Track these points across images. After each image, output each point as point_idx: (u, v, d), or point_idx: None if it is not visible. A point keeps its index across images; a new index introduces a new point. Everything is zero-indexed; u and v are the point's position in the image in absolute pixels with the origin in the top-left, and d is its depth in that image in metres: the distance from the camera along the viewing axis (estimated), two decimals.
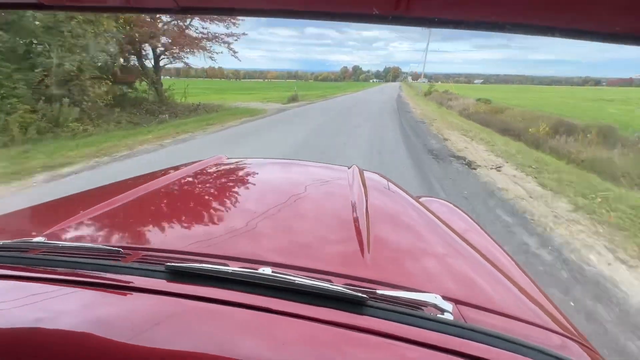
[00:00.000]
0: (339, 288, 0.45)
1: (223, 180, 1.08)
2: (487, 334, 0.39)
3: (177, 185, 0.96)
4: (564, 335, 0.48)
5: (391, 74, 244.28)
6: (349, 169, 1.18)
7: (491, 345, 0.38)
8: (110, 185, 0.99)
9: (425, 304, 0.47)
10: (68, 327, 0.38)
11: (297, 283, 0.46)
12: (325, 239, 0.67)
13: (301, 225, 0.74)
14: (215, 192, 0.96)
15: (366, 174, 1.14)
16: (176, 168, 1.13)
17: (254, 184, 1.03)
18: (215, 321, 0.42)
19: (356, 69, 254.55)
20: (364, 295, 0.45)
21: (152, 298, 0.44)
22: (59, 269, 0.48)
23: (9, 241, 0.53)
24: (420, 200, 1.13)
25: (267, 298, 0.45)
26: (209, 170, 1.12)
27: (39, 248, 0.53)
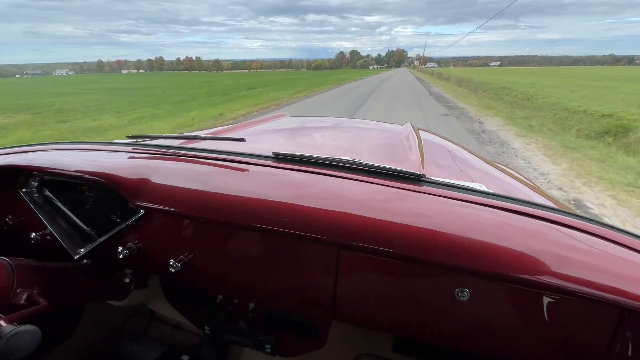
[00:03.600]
0: (401, 168, 0.68)
1: (297, 124, 1.46)
2: (514, 199, 0.62)
3: (262, 124, 1.39)
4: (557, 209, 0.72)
5: (395, 59, 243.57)
6: (402, 125, 1.45)
7: (518, 205, 0.60)
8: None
9: (472, 188, 0.66)
10: (210, 189, 0.64)
11: (370, 165, 0.70)
12: (387, 160, 0.89)
13: (365, 149, 1.06)
14: (292, 131, 1.33)
15: (420, 130, 1.42)
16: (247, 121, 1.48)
17: (322, 127, 1.43)
18: (309, 184, 0.65)
19: (354, 54, 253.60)
20: (422, 173, 0.67)
21: (263, 169, 0.71)
22: (204, 153, 0.79)
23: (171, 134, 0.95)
24: None
25: (347, 173, 0.68)
26: (279, 121, 1.46)
27: (192, 139, 0.96)
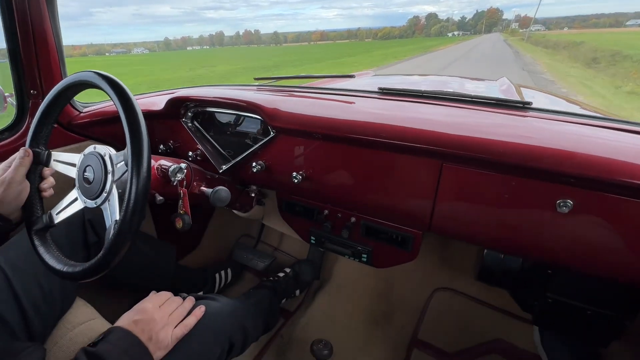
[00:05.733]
0: (508, 97, 0.80)
1: (387, 78, 1.74)
2: (622, 120, 0.72)
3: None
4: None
5: (484, 22, 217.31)
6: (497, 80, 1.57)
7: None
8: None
9: (578, 113, 0.78)
10: (328, 116, 0.81)
11: (474, 95, 0.83)
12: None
13: (465, 90, 1.20)
14: (386, 79, 1.65)
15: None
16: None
17: (414, 78, 1.66)
18: (415, 111, 0.80)
19: (430, 18, 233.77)
20: (530, 100, 0.77)
21: (370, 101, 0.91)
22: (319, 90, 1.04)
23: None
24: None
25: (452, 103, 0.81)
26: (367, 77, 1.66)
27: (308, 78, 1.28)
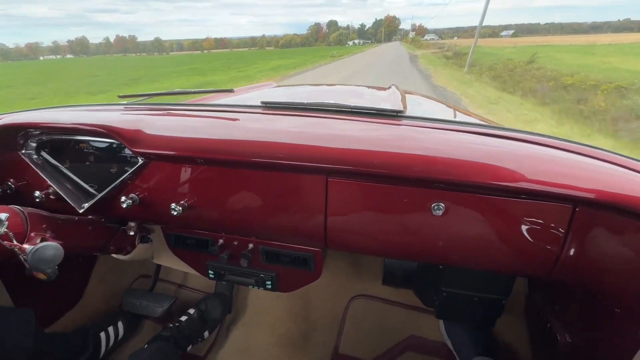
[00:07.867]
0: (383, 106, 0.94)
1: (284, 89, 1.94)
2: (480, 124, 0.93)
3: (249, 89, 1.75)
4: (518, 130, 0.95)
5: (383, 30, 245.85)
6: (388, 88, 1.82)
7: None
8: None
9: (445, 119, 0.93)
10: (203, 137, 0.82)
11: (353, 105, 0.95)
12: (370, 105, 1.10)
13: (351, 101, 1.29)
14: (279, 90, 1.79)
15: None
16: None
17: (309, 88, 1.90)
18: (296, 126, 0.86)
19: (331, 25, 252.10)
20: (401, 109, 0.91)
21: (253, 116, 0.94)
22: (195, 107, 1.08)
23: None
24: None
25: (332, 115, 0.92)
26: (266, 88, 1.85)
27: (182, 94, 1.20)
